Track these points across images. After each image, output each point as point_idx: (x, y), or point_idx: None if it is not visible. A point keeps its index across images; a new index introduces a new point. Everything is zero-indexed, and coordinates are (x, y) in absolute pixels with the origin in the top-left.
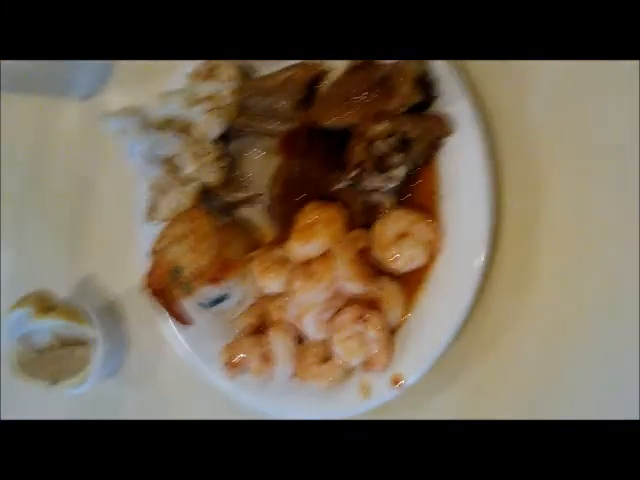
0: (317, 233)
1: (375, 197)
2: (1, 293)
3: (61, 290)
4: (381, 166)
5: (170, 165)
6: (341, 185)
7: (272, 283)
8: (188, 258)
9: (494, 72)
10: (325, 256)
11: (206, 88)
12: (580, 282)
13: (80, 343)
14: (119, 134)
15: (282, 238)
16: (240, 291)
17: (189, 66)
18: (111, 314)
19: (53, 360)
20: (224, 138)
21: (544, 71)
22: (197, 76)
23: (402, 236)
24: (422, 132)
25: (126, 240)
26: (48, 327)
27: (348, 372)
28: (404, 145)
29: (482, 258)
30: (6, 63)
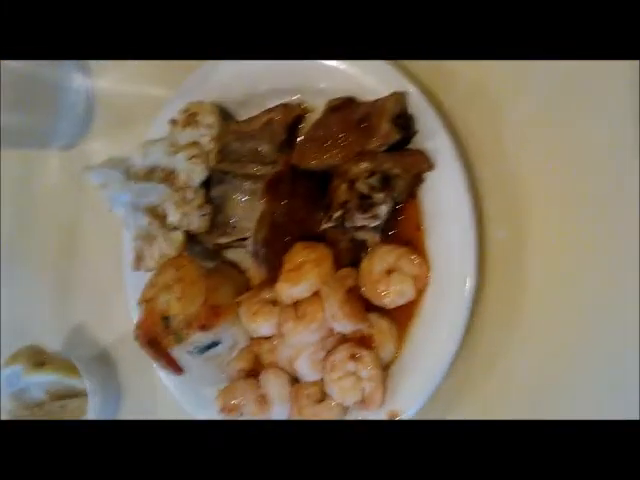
0: (306, 274)
1: (361, 235)
2: None
3: (52, 342)
4: (364, 205)
5: (155, 214)
6: (326, 225)
7: (262, 326)
8: (177, 306)
9: (469, 105)
10: (315, 296)
11: (187, 135)
12: (568, 304)
13: (74, 395)
14: (102, 186)
15: (270, 280)
16: (231, 336)
17: (169, 113)
18: (103, 363)
19: (47, 415)
20: (207, 184)
21: (518, 99)
22: (177, 124)
23: (390, 272)
24: (403, 169)
25: (115, 289)
26: (41, 382)
27: (343, 411)
28: (386, 183)
29: (470, 289)
30: None
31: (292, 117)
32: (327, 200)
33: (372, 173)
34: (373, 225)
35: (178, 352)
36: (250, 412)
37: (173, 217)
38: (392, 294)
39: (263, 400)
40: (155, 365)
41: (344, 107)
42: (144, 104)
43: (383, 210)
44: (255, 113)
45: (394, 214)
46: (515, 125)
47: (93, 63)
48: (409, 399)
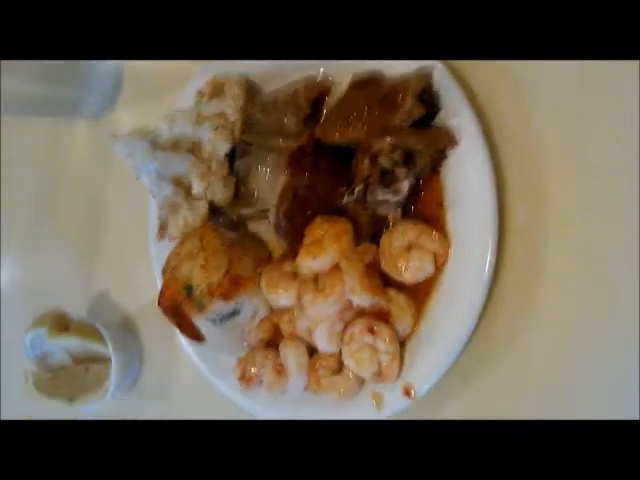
0: (326, 248)
1: (382, 210)
2: (16, 312)
3: (76, 308)
4: (386, 179)
5: (179, 184)
6: (348, 200)
7: (282, 298)
8: (199, 275)
9: (495, 83)
10: (334, 270)
11: (212, 107)
12: (584, 283)
13: (95, 360)
14: (128, 156)
15: (291, 253)
16: (251, 306)
17: (196, 85)
18: (126, 330)
19: (69, 378)
20: (231, 156)
21: (545, 80)
22: (203, 95)
23: (409, 248)
24: (426, 145)
25: (139, 257)
26: (63, 346)
27: (360, 383)
28: (409, 158)
29: (489, 267)
30: (16, 87)
31: (317, 91)
32: (349, 174)
33: (395, 148)
34: (394, 200)
35: (200, 320)
36: (268, 381)
37: (197, 187)
38: (411, 270)
39: (281, 370)
40: (177, 333)
41: (369, 82)
42: (171, 75)
43: (405, 185)
44: (281, 86)
45: (416, 190)
46: (539, 105)
47: None
48: (424, 373)
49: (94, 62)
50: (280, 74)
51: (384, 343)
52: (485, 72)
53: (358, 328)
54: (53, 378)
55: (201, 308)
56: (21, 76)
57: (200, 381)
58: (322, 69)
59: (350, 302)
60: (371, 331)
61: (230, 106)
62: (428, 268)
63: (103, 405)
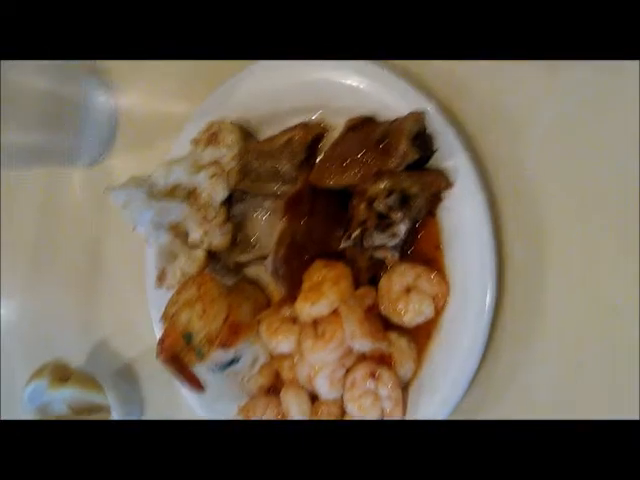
0: (325, 292)
1: (379, 253)
2: (14, 360)
3: (76, 357)
4: (383, 224)
5: (177, 232)
6: (345, 244)
7: (282, 344)
8: (198, 324)
9: (489, 124)
10: (334, 315)
11: (209, 154)
12: (585, 320)
13: (96, 410)
14: (124, 205)
15: (290, 298)
16: (251, 353)
17: (191, 131)
18: (126, 379)
19: None
20: (228, 202)
21: (537, 117)
22: (199, 142)
23: (408, 290)
24: (421, 188)
25: (138, 306)
26: (64, 397)
27: None
28: (404, 202)
29: (489, 308)
30: (9, 139)
31: (312, 136)
32: (346, 219)
33: (391, 192)
34: (392, 244)
35: (199, 369)
36: None
37: (194, 235)
38: (411, 313)
39: (283, 417)
40: (176, 382)
41: (363, 126)
42: (166, 122)
43: (402, 229)
44: (276, 131)
45: (413, 233)
46: (534, 143)
47: (115, 82)
48: (428, 417)
49: (89, 109)
50: (274, 120)
51: (386, 388)
52: (478, 112)
53: (360, 374)
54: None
55: (201, 357)
56: (15, 128)
57: None
58: (317, 113)
59: (351, 347)
60: (373, 376)
61: (225, 154)
62: (427, 311)
63: None
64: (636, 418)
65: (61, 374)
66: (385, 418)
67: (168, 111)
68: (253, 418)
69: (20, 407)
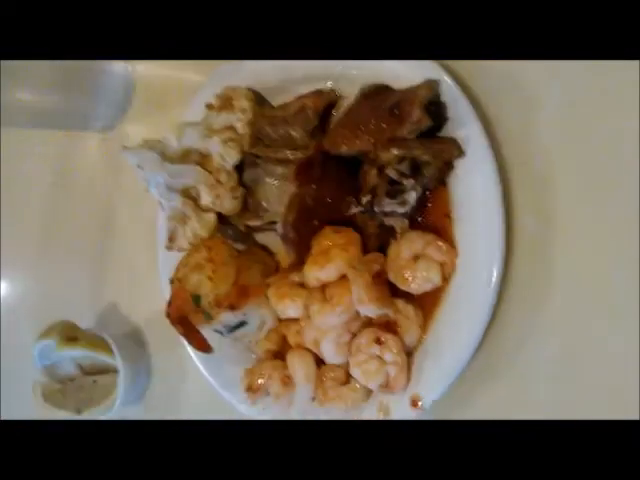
0: (333, 258)
1: (389, 220)
2: (25, 323)
3: (84, 319)
4: (394, 190)
5: (188, 195)
6: (355, 210)
7: (289, 308)
8: (208, 286)
9: (502, 94)
10: (341, 280)
11: (221, 120)
12: (592, 294)
13: (103, 371)
14: (138, 167)
15: (298, 263)
16: (258, 317)
17: (204, 98)
18: (134, 341)
19: (77, 389)
20: (239, 168)
21: (552, 90)
22: (213, 108)
23: (416, 258)
24: (433, 156)
25: (148, 269)
26: (72, 357)
27: (367, 394)
28: (416, 169)
29: (496, 278)
30: (26, 99)
31: (325, 103)
32: (357, 185)
33: (402, 159)
34: (402, 211)
35: (207, 331)
36: (275, 392)
37: (206, 199)
38: (418, 280)
39: (288, 381)
40: (184, 343)
41: (376, 94)
42: (181, 88)
43: (412, 196)
44: (289, 99)
45: (423, 201)
46: (546, 114)
47: None
48: (432, 384)
49: (104, 75)
50: (287, 87)
51: (391, 354)
52: (491, 83)
53: (365, 339)
54: (61, 389)
55: (209, 319)
56: (32, 88)
57: (208, 393)
58: (330, 82)
59: (357, 312)
60: (378, 342)
61: (239, 119)
62: (435, 279)
63: (110, 417)
64: (636, 418)
65: (70, 334)
66: (389, 383)
67: (183, 78)
68: (259, 381)
69: (30, 367)
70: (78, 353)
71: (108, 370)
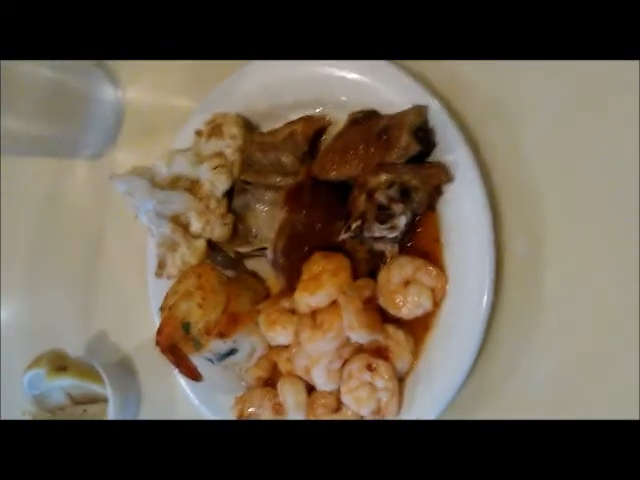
0: (323, 284)
1: (379, 246)
2: (14, 352)
3: (74, 347)
4: (383, 215)
5: (178, 222)
6: (345, 236)
7: (280, 335)
8: (197, 313)
9: (489, 119)
10: (332, 306)
11: (211, 146)
12: (584, 316)
13: (93, 401)
14: (127, 194)
15: (289, 290)
16: (249, 344)
17: (194, 125)
18: (124, 369)
19: (67, 419)
20: (229, 194)
21: (536, 113)
22: (202, 135)
23: (407, 283)
24: (422, 181)
25: (137, 296)
26: (62, 386)
27: None
28: (405, 194)
29: (486, 302)
30: (16, 126)
31: (314, 129)
32: (346, 211)
33: (391, 184)
34: (391, 236)
35: (197, 359)
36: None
37: (196, 225)
38: (409, 305)
39: (279, 408)
40: (175, 372)
41: (365, 119)
42: (170, 116)
43: (402, 221)
44: (278, 125)
45: (413, 226)
46: (533, 139)
47: (122, 76)
48: (424, 410)
49: (94, 102)
50: (277, 113)
51: (383, 380)
52: (478, 107)
53: (356, 365)
54: (52, 418)
55: (199, 347)
56: (22, 116)
57: None
58: (319, 108)
59: (348, 339)
60: (369, 368)
61: (228, 145)
62: (426, 304)
63: None
64: (636, 418)
65: (59, 363)
66: (381, 410)
67: (173, 105)
68: (250, 409)
69: (20, 396)
70: (68, 382)
71: (98, 399)
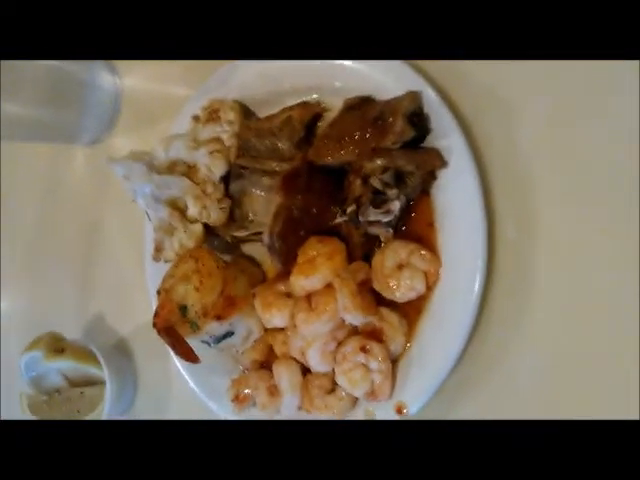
0: (318, 267)
1: (373, 230)
2: (12, 335)
3: (71, 331)
4: (378, 200)
5: (175, 206)
6: (340, 220)
7: (276, 317)
8: (194, 296)
9: (483, 105)
10: (327, 289)
11: (208, 132)
12: (575, 299)
13: (90, 383)
14: (125, 178)
15: (284, 273)
16: (245, 326)
17: (191, 110)
18: (121, 352)
19: (64, 401)
20: (226, 179)
21: (530, 100)
22: (199, 120)
23: (401, 267)
24: (416, 166)
25: (134, 280)
26: (59, 369)
27: (353, 402)
28: (399, 179)
29: (478, 286)
30: (16, 112)
31: (310, 115)
32: (341, 195)
33: (386, 169)
34: (386, 220)
35: (194, 341)
36: (261, 402)
37: (193, 210)
38: (403, 288)
39: (275, 391)
40: (171, 354)
41: (360, 105)
42: (168, 102)
43: (396, 206)
44: (275, 111)
45: (407, 210)
46: (526, 126)
47: (120, 63)
48: (417, 392)
49: (92, 89)
50: (274, 99)
51: (377, 362)
52: (473, 94)
53: (351, 347)
54: (48, 401)
55: (195, 329)
56: (22, 102)
57: (194, 404)
58: (315, 95)
59: (343, 321)
60: (363, 350)
61: (225, 131)
62: (419, 287)
63: None
64: (636, 418)
65: (57, 346)
66: (375, 391)
67: (170, 93)
68: (245, 391)
69: (17, 379)
70: (65, 365)
71: (95, 382)
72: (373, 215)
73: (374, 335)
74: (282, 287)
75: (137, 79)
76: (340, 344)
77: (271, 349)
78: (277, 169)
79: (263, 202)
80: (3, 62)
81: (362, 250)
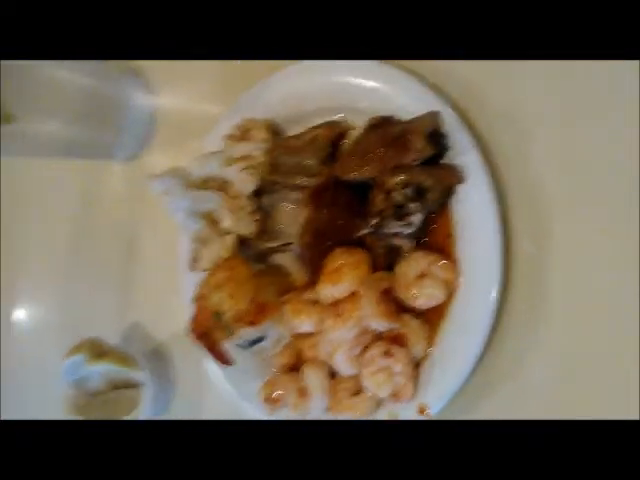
0: (344, 276)
1: (395, 241)
2: (54, 344)
3: (111, 337)
4: (400, 213)
5: (210, 219)
6: (364, 232)
7: (304, 323)
8: (228, 303)
9: (501, 125)
10: (352, 296)
11: (240, 149)
12: (590, 316)
13: (130, 386)
14: (163, 193)
15: (312, 281)
16: (276, 332)
17: (223, 128)
18: (158, 358)
19: (105, 402)
20: (257, 193)
21: (547, 123)
22: (232, 138)
23: (422, 276)
24: (435, 182)
25: (170, 289)
26: (100, 372)
27: (378, 403)
28: (420, 194)
29: (495, 294)
30: (52, 130)
31: (336, 133)
32: (366, 209)
33: (407, 184)
34: (407, 232)
35: (227, 346)
36: (292, 403)
37: (226, 222)
38: (424, 297)
39: (303, 392)
40: (205, 358)
41: (383, 124)
42: (200, 121)
43: (417, 218)
44: (302, 130)
45: (427, 223)
46: (541, 142)
47: (155, 83)
48: (437, 394)
49: (129, 108)
50: (301, 119)
51: (399, 365)
52: (489, 114)
53: (376, 351)
54: (88, 402)
55: (229, 333)
56: (58, 120)
57: (226, 406)
58: (340, 114)
59: (368, 327)
60: (387, 354)
61: (257, 148)
62: (439, 295)
63: None
64: (636, 418)
65: (98, 350)
66: (398, 392)
67: (202, 111)
68: (277, 393)
69: (57, 384)
70: (106, 368)
71: (134, 384)
72: (395, 227)
73: (397, 340)
74: (310, 295)
75: (171, 98)
76: (365, 349)
77: (299, 353)
78: (305, 184)
79: (292, 215)
80: (43, 83)
81: (385, 260)
